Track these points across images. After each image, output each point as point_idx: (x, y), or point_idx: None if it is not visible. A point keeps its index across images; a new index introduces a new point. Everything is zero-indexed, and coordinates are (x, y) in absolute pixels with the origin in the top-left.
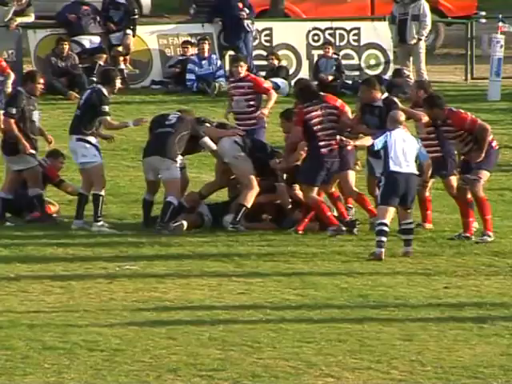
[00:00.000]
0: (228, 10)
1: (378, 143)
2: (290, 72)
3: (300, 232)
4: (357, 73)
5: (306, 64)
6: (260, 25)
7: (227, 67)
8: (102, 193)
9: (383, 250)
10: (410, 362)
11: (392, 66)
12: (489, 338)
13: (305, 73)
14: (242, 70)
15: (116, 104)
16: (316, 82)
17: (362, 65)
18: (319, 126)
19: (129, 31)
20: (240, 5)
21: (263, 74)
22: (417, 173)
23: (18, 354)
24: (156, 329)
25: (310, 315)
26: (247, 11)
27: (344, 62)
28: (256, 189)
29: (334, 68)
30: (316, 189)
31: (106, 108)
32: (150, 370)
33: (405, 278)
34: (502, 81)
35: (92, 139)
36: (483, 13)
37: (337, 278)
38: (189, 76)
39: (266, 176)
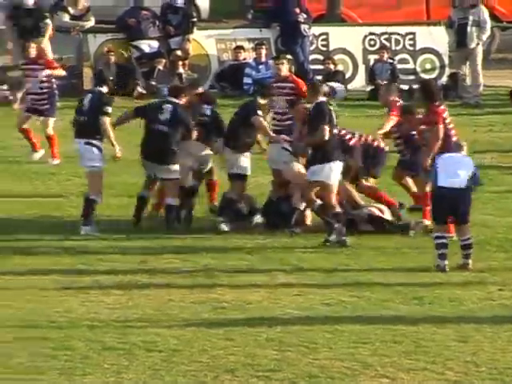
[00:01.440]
0: (285, 15)
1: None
2: (346, 76)
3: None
4: (412, 77)
5: (362, 68)
6: (317, 30)
7: None
8: (98, 199)
9: (446, 262)
10: (465, 363)
11: (447, 70)
12: None
13: (361, 77)
14: (283, 68)
15: None
16: (372, 87)
17: (418, 69)
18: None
19: (188, 35)
20: (297, 10)
21: (319, 77)
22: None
23: (78, 354)
24: (213, 330)
25: (366, 317)
26: (304, 16)
27: (399, 66)
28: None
29: (389, 72)
30: None
31: (109, 109)
32: (207, 370)
33: (459, 280)
34: None
35: (99, 143)
36: None
37: (391, 281)
38: (246, 80)
39: None
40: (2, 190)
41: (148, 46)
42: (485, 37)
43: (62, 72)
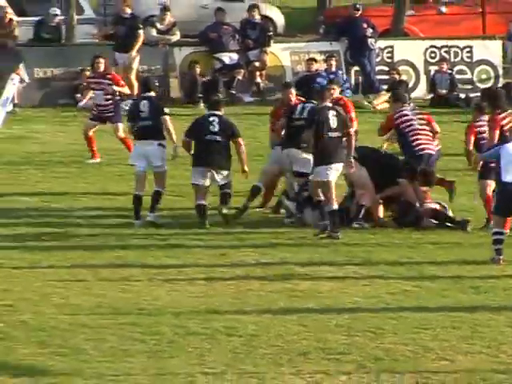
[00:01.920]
0: (354, 29)
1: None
2: (410, 86)
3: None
4: (469, 86)
5: (423, 78)
6: (382, 43)
7: (353, 81)
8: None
9: (501, 256)
10: None
11: (501, 80)
12: None
13: (422, 86)
14: (335, 92)
15: (254, 115)
16: (432, 96)
17: (474, 79)
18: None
19: (265, 48)
20: (365, 25)
21: (385, 87)
22: None
23: (165, 338)
24: (288, 316)
25: (427, 304)
26: (371, 31)
27: (458, 76)
28: (372, 190)
29: (449, 82)
30: None
31: (167, 110)
32: (283, 353)
33: None
34: None
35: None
36: None
37: (451, 271)
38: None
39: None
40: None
41: (229, 57)
42: None
43: (127, 90)
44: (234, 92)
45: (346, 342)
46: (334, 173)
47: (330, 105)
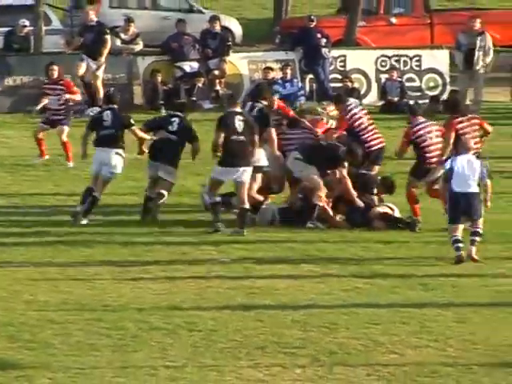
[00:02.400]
0: (308, 39)
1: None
2: (361, 93)
3: None
4: (418, 94)
5: (374, 86)
6: (335, 52)
7: (307, 89)
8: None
9: (462, 252)
10: (463, 341)
11: (448, 88)
12: None
13: (373, 94)
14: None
15: (213, 120)
16: (383, 102)
17: (423, 87)
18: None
19: (224, 57)
20: (319, 35)
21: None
22: (478, 191)
23: (129, 333)
24: (246, 312)
25: (378, 301)
26: (325, 41)
27: (407, 84)
28: (324, 189)
29: (399, 90)
30: None
31: (132, 120)
32: (241, 347)
33: (460, 269)
34: None
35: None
36: None
37: (400, 269)
38: (274, 96)
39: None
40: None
41: (189, 66)
42: (489, 60)
43: (78, 97)
44: (194, 99)
45: (302, 336)
46: (237, 174)
47: (239, 110)
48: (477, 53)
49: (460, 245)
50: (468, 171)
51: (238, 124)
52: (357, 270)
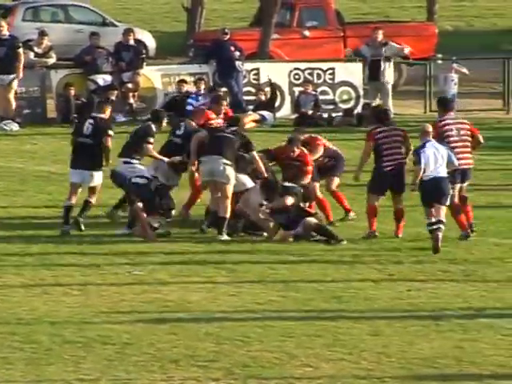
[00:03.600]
0: (222, 52)
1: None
2: (275, 106)
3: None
4: (331, 106)
5: (288, 99)
6: (249, 65)
7: None
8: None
9: (439, 233)
10: (377, 354)
11: (362, 101)
12: (444, 333)
13: (287, 107)
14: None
15: (126, 133)
16: (297, 115)
17: (336, 100)
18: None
19: (138, 70)
20: (232, 48)
21: (251, 107)
22: (446, 176)
23: (42, 347)
24: (159, 325)
25: (292, 314)
26: (238, 54)
27: (321, 97)
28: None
29: (313, 103)
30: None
31: (151, 139)
32: (154, 360)
33: (373, 282)
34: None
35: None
36: (440, 55)
37: (314, 282)
38: (188, 107)
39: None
40: None
41: (103, 79)
42: (390, 71)
43: None
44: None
45: (215, 349)
46: (78, 177)
47: (95, 115)
48: (382, 64)
49: (434, 226)
50: (435, 157)
51: (87, 127)
52: (270, 282)
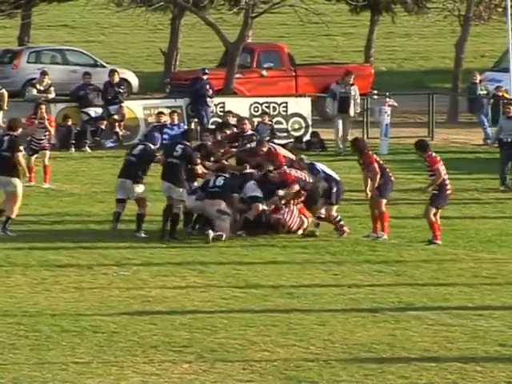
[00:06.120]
0: (199, 88)
1: None
2: None
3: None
4: (285, 134)
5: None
6: (216, 100)
7: None
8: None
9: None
10: (324, 340)
11: (310, 130)
12: (380, 323)
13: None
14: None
15: (113, 157)
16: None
17: (289, 128)
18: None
19: (122, 104)
20: (207, 86)
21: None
22: None
23: (44, 335)
24: (142, 317)
25: (252, 307)
26: (211, 92)
27: (276, 126)
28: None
29: (269, 131)
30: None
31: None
32: (137, 346)
33: (320, 280)
34: (388, 140)
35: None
36: (375, 91)
37: (271, 280)
38: (165, 136)
39: None
40: None
41: (94, 111)
42: (359, 108)
43: None
44: (98, 139)
45: (188, 337)
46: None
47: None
48: (352, 101)
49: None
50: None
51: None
52: (234, 281)
